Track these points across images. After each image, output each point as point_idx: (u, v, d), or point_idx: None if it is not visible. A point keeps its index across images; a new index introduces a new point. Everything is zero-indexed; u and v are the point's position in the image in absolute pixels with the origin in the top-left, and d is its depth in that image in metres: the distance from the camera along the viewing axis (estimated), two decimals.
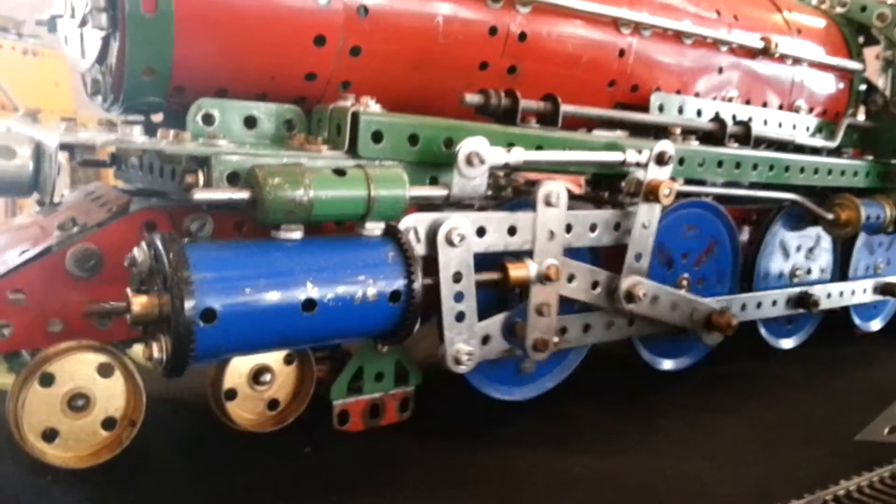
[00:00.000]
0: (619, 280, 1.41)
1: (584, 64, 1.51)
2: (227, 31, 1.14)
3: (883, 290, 2.10)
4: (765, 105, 1.87)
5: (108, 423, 1.10)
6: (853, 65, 2.02)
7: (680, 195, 1.58)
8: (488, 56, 1.38)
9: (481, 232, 1.23)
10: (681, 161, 1.55)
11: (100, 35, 1.11)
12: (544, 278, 1.27)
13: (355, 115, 1.13)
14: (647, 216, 1.42)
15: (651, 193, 1.40)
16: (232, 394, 1.16)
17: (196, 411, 1.26)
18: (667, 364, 1.69)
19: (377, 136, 1.15)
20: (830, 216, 1.89)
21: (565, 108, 1.39)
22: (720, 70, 1.74)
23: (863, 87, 2.10)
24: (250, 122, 1.18)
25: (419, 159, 1.20)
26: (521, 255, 1.28)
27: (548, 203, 1.26)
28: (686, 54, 1.67)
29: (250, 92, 1.22)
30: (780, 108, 1.91)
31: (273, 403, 1.20)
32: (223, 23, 1.13)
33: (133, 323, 0.97)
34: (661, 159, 1.40)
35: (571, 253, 1.37)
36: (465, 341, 1.21)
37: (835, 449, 1.36)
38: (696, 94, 1.72)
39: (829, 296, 1.95)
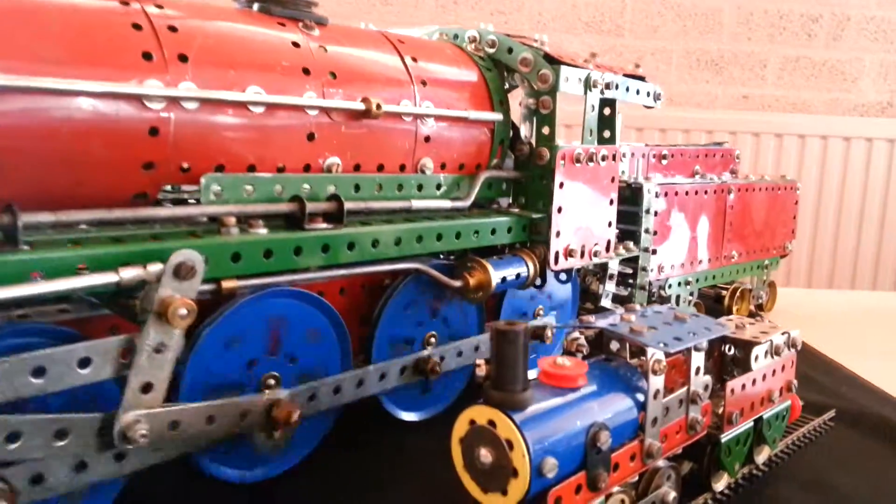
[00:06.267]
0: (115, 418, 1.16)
1: (98, 146, 1.23)
2: None
3: (533, 335, 2.04)
4: (381, 168, 1.71)
5: None
6: (489, 116, 1.91)
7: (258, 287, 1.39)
8: None
9: None
10: (235, 257, 1.33)
11: None
12: None
13: None
14: (159, 338, 1.18)
15: (162, 314, 1.17)
16: None
17: None
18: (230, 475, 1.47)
19: None
20: (458, 283, 1.77)
21: (30, 219, 1.11)
22: (311, 136, 1.53)
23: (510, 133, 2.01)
24: None
25: None
26: None
27: None
28: (257, 124, 1.44)
29: None
30: (403, 168, 1.76)
31: None
32: None
33: None
34: (180, 273, 1.17)
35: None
36: None
37: None
38: (281, 169, 1.51)
39: (459, 354, 1.85)
